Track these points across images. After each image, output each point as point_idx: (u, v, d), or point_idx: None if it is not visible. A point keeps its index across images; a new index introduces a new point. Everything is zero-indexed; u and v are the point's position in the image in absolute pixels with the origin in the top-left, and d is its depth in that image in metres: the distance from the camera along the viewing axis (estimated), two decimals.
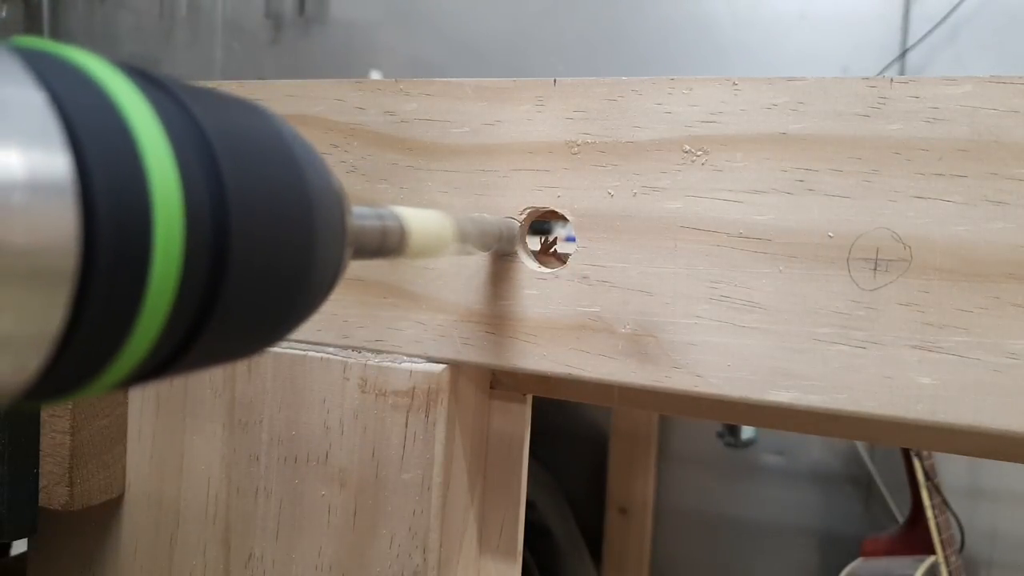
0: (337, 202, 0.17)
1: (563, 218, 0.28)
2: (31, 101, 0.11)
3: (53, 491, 0.33)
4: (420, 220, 0.21)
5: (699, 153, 0.26)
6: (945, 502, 1.07)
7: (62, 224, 0.11)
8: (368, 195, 0.31)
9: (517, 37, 1.42)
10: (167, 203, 0.12)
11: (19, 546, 0.40)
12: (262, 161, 0.15)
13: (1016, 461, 0.27)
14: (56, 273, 0.11)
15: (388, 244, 0.20)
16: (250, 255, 0.14)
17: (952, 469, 1.14)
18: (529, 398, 0.33)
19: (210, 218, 0.13)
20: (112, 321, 0.12)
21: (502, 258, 0.29)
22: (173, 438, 0.34)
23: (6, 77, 0.11)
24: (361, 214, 0.19)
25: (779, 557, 1.31)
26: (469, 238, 0.25)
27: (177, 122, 0.13)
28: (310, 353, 0.31)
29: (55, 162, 0.11)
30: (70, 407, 0.32)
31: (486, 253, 0.29)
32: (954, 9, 1.16)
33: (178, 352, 0.14)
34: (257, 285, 0.15)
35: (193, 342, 0.14)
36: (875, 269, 0.24)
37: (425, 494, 0.30)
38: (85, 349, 0.12)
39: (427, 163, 0.30)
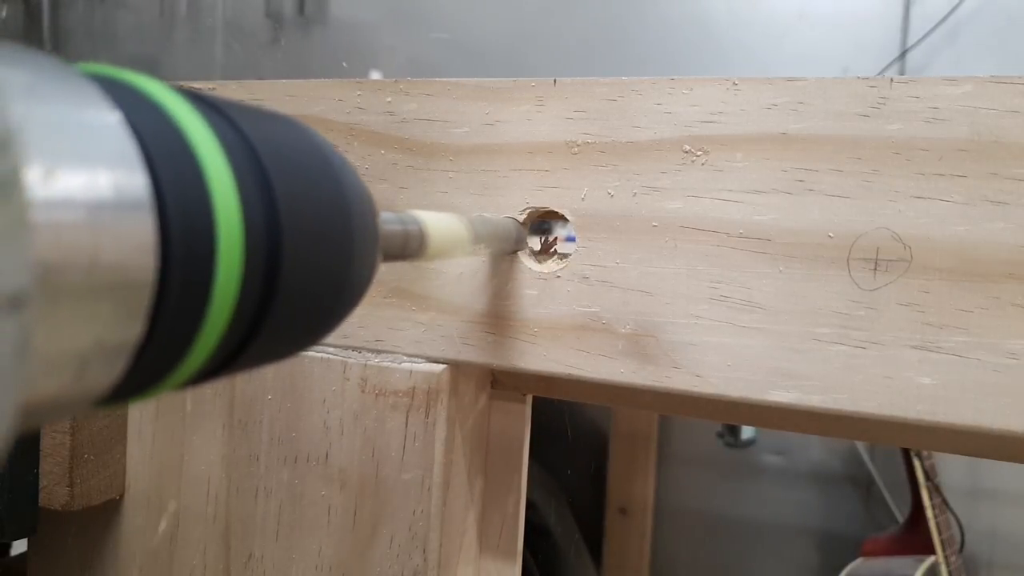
0: (370, 209, 0.18)
1: (563, 218, 0.28)
2: (109, 124, 0.12)
3: (53, 491, 0.33)
4: (438, 223, 0.22)
5: (699, 153, 0.26)
6: (945, 502, 1.07)
7: (143, 240, 0.12)
8: None
9: (517, 37, 1.42)
10: (228, 218, 0.13)
11: (19, 546, 0.40)
12: (306, 174, 0.16)
13: (1016, 461, 0.27)
14: (137, 285, 0.12)
15: (410, 247, 0.21)
16: (299, 264, 0.15)
17: (952, 469, 1.14)
18: (529, 398, 0.33)
19: (265, 230, 0.14)
20: (182, 328, 0.13)
21: (502, 258, 0.29)
22: (173, 438, 0.34)
23: (85, 101, 0.12)
24: (385, 219, 0.20)
25: (779, 557, 1.31)
26: (483, 239, 0.25)
27: (231, 140, 0.14)
28: (310, 353, 0.31)
29: (135, 182, 0.12)
30: None
31: (495, 254, 0.29)
32: (954, 9, 1.16)
33: (234, 354, 0.15)
34: (305, 291, 0.16)
35: (248, 345, 0.15)
36: (875, 269, 0.24)
37: (425, 494, 0.30)
38: (159, 354, 0.13)
39: (427, 163, 0.30)
